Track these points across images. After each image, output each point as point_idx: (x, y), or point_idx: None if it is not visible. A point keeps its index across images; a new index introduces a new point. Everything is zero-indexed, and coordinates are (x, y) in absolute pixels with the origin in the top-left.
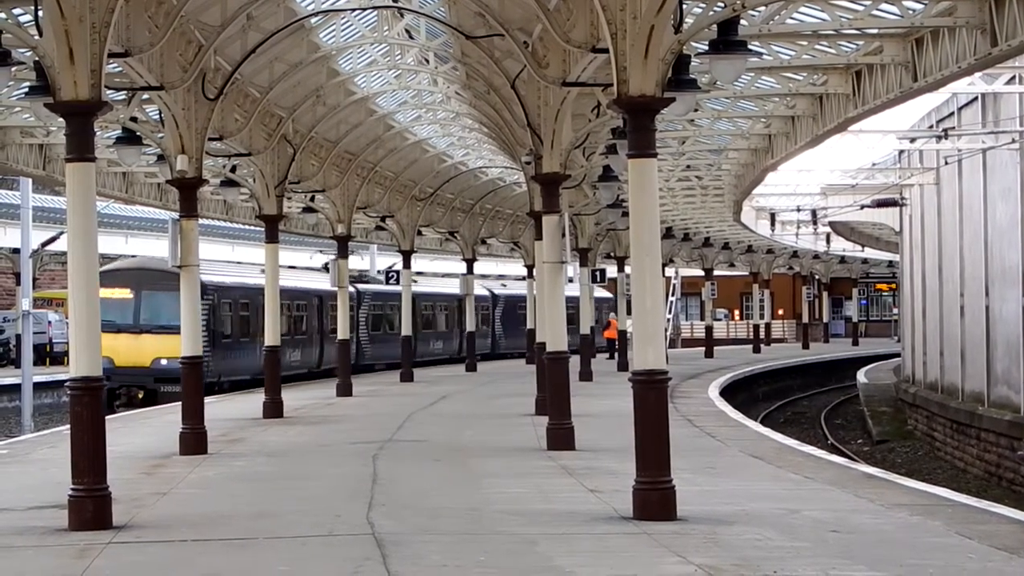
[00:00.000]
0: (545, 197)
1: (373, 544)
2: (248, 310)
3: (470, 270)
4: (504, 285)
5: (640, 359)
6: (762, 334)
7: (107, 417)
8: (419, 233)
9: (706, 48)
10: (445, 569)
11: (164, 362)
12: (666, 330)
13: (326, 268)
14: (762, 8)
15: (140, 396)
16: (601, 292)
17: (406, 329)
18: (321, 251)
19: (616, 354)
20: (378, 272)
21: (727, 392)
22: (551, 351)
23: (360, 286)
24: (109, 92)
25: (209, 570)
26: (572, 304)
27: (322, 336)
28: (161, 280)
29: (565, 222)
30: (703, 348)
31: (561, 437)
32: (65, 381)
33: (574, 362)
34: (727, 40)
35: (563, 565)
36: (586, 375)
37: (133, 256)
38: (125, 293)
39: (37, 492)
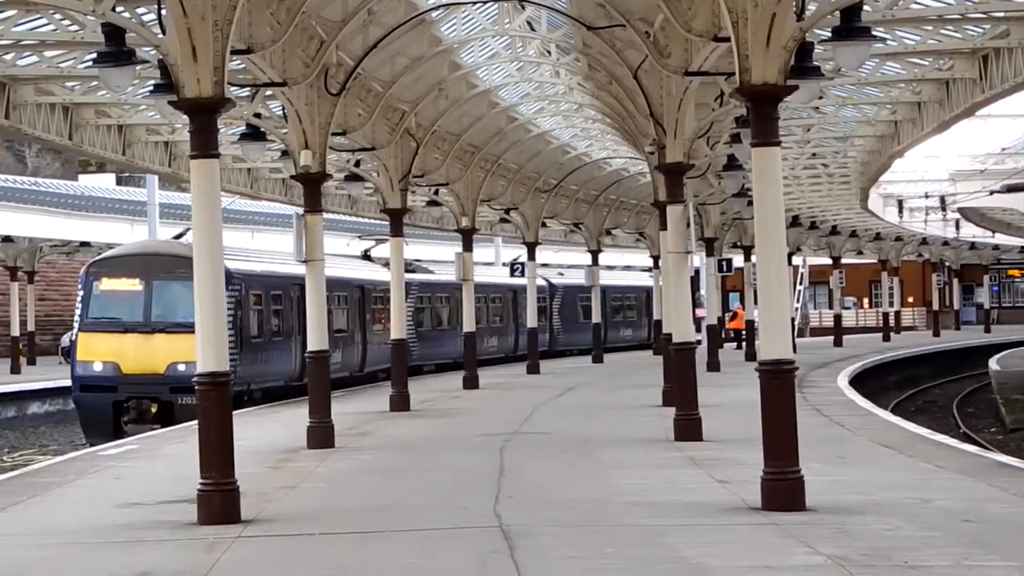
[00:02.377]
0: (669, 187)
1: (500, 536)
2: (280, 303)
3: (595, 262)
4: (562, 274)
5: (766, 349)
6: (892, 322)
7: (234, 412)
8: (543, 225)
9: (829, 35)
10: (572, 561)
11: (182, 367)
12: (794, 319)
13: (367, 256)
14: None
15: (153, 410)
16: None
17: (531, 321)
18: (360, 237)
19: (743, 344)
20: (503, 264)
21: (856, 381)
22: (678, 341)
23: (405, 275)
24: (232, 89)
25: (336, 563)
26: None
27: (364, 333)
28: (176, 267)
29: (690, 212)
30: (832, 337)
31: (688, 428)
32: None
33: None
34: (850, 26)
35: (690, 556)
36: (713, 365)
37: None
38: (132, 284)
39: (166, 487)
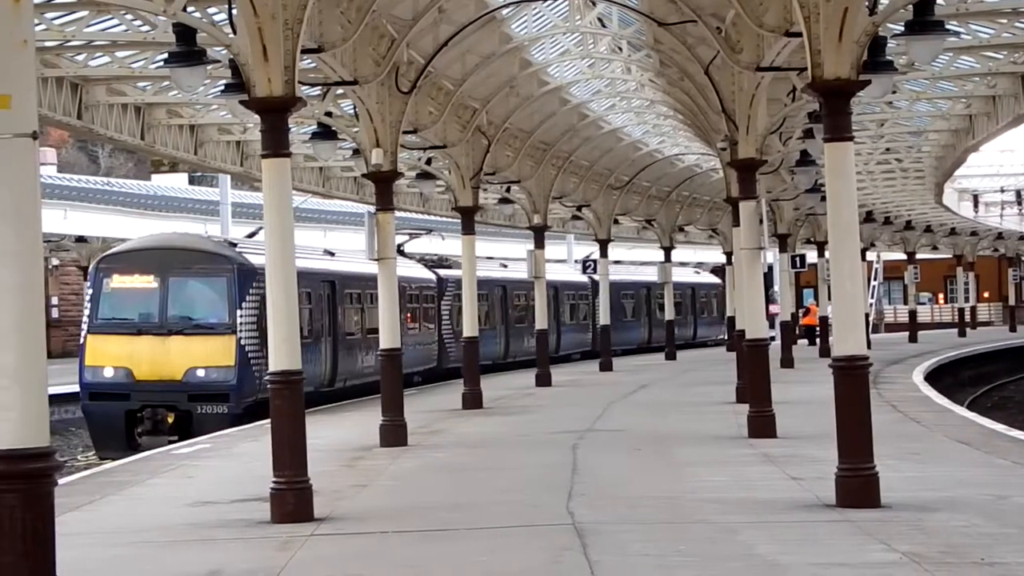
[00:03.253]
0: (741, 183)
1: (573, 534)
2: (309, 301)
3: (668, 258)
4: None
5: (840, 345)
6: (967, 318)
7: (306, 411)
8: (615, 222)
9: (902, 29)
10: (646, 558)
11: (201, 373)
12: (868, 315)
13: (400, 251)
14: None
15: (170, 420)
16: (711, 278)
17: (603, 319)
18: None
19: (818, 340)
20: (575, 262)
21: (932, 377)
22: (751, 338)
23: (441, 271)
24: (303, 88)
25: (409, 561)
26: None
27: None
28: (194, 262)
29: (763, 208)
30: (906, 333)
31: (762, 424)
32: None
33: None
34: (923, 20)
35: (765, 553)
36: (787, 362)
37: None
38: (147, 281)
39: (240, 485)
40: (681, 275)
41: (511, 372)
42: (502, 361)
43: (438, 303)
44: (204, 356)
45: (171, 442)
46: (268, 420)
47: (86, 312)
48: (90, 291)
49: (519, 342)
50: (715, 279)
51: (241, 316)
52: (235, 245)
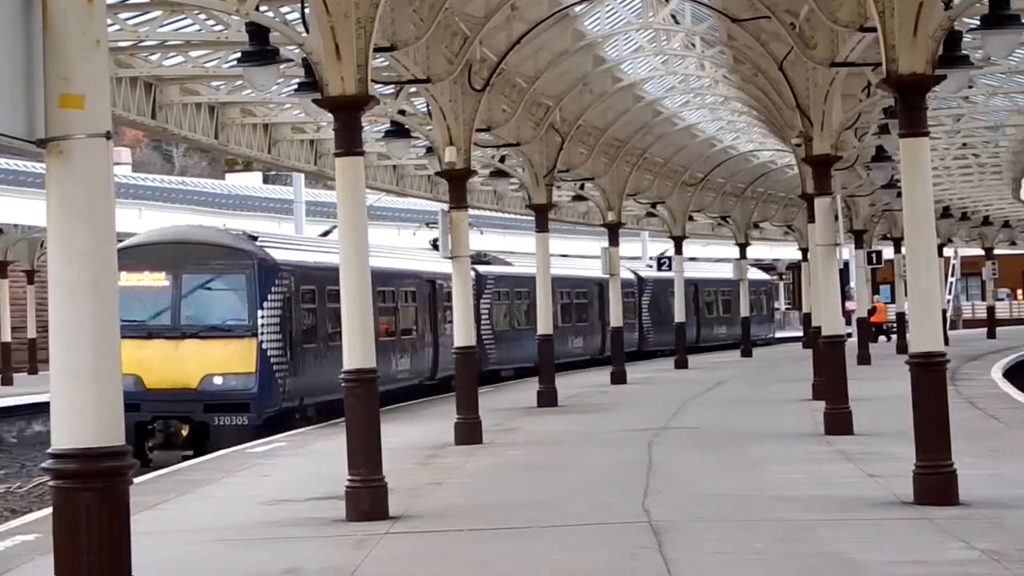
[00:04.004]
0: (816, 179)
1: (648, 531)
2: (338, 300)
3: (743, 255)
4: (650, 266)
5: (917, 341)
6: None
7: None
8: (690, 219)
9: (977, 23)
10: (721, 556)
11: (218, 381)
12: (945, 311)
13: (435, 246)
14: None
15: (184, 432)
16: (760, 274)
17: (679, 315)
18: (428, 224)
19: (889, 337)
20: (650, 259)
21: (1011, 373)
22: (827, 335)
23: (480, 268)
24: (376, 86)
25: (483, 559)
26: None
27: (435, 337)
28: (210, 258)
29: (838, 204)
30: (984, 329)
31: (838, 421)
32: None
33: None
34: (999, 14)
35: (842, 551)
36: (864, 358)
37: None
38: (157, 279)
39: (315, 483)
40: (728, 272)
41: (600, 368)
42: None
43: (477, 301)
44: (222, 362)
45: (185, 457)
46: (342, 420)
47: None
48: None
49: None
50: (764, 275)
51: (262, 317)
52: (255, 238)
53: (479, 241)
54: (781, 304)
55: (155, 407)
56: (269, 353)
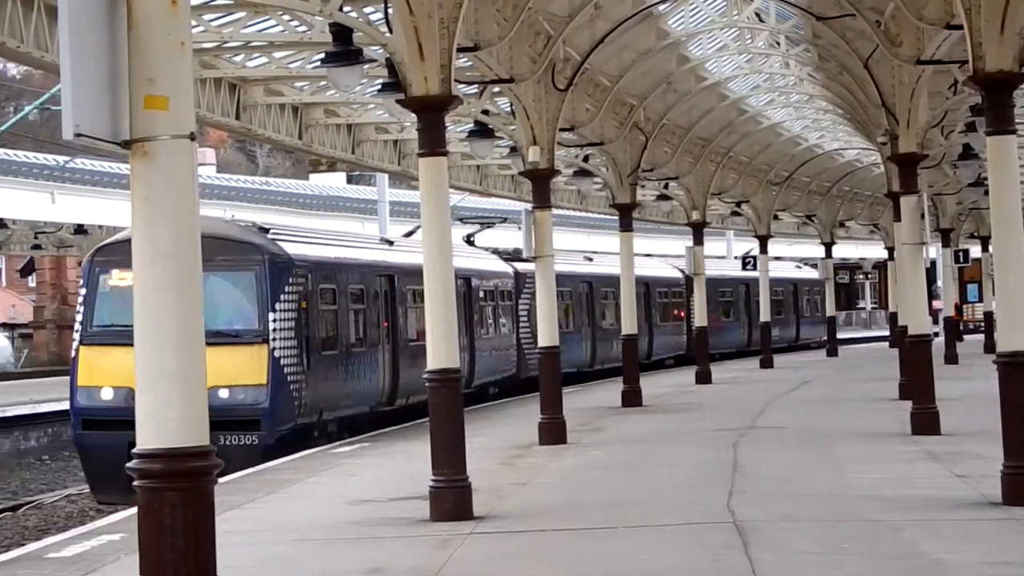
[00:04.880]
0: (902, 177)
1: (734, 531)
2: (361, 301)
3: (828, 254)
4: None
5: (1005, 340)
6: None
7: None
8: (775, 218)
9: None
10: (808, 556)
11: (224, 394)
12: None
13: (470, 242)
14: None
15: None
16: (812, 273)
17: (764, 315)
18: (463, 220)
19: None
20: (735, 258)
21: None
22: (913, 334)
23: (518, 265)
24: (460, 86)
25: (569, 559)
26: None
27: (471, 340)
28: (215, 252)
29: (924, 203)
30: None
31: (925, 421)
32: None
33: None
34: None
35: (930, 552)
36: (951, 358)
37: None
38: None
39: (399, 483)
40: (779, 270)
41: (685, 368)
42: (588, 369)
43: (515, 301)
44: (228, 372)
45: None
46: (422, 421)
47: (78, 317)
48: (83, 291)
49: (607, 348)
50: (817, 274)
51: (275, 320)
52: (267, 231)
53: (515, 238)
54: (867, 303)
55: None
56: (283, 362)
